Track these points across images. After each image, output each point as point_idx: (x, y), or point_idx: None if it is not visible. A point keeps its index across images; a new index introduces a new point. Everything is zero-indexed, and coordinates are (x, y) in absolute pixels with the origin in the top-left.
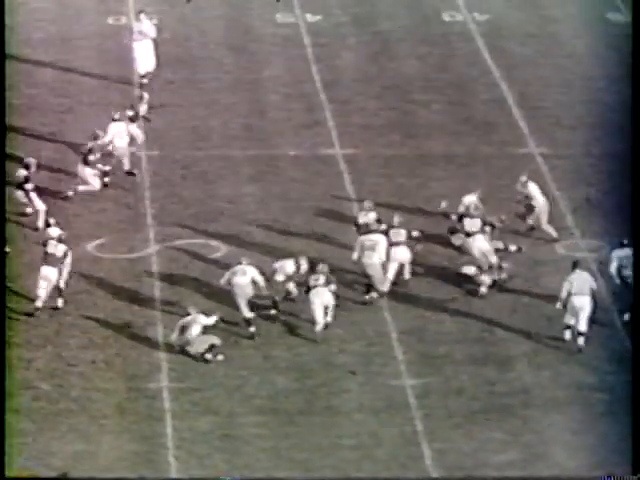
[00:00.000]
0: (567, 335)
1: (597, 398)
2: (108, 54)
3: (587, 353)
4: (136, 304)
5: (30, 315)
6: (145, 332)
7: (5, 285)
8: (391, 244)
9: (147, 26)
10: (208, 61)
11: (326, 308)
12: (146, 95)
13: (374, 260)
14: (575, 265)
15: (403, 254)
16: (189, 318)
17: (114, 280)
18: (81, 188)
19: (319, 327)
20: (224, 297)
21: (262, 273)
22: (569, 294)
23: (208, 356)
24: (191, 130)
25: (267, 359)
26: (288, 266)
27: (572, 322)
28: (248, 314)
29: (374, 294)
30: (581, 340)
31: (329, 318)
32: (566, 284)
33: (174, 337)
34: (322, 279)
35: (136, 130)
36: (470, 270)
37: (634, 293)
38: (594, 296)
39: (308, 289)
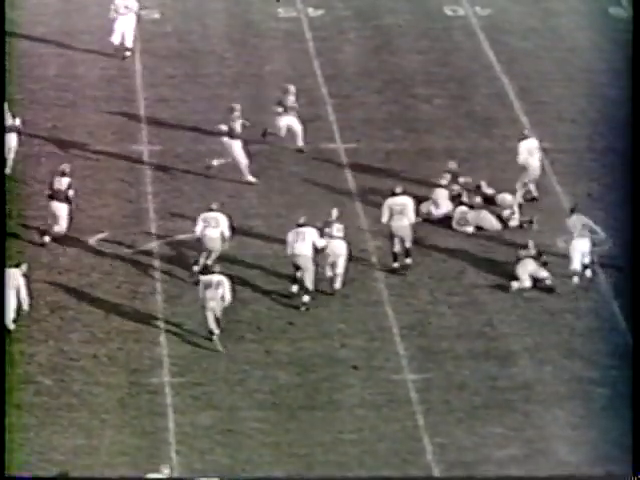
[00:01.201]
0: (575, 280)
1: (598, 393)
2: (110, 49)
3: (588, 348)
4: (138, 299)
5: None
6: (147, 327)
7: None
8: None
9: (131, 0)
10: (210, 55)
11: (338, 258)
12: (292, 88)
13: (404, 222)
14: (573, 210)
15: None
16: (217, 278)
17: (116, 274)
18: (216, 162)
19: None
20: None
21: (232, 227)
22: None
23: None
24: (193, 124)
25: (269, 354)
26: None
27: (577, 267)
28: (202, 264)
29: (408, 260)
30: (588, 272)
31: (340, 270)
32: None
33: (201, 293)
34: (341, 229)
35: (293, 121)
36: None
37: (633, 290)
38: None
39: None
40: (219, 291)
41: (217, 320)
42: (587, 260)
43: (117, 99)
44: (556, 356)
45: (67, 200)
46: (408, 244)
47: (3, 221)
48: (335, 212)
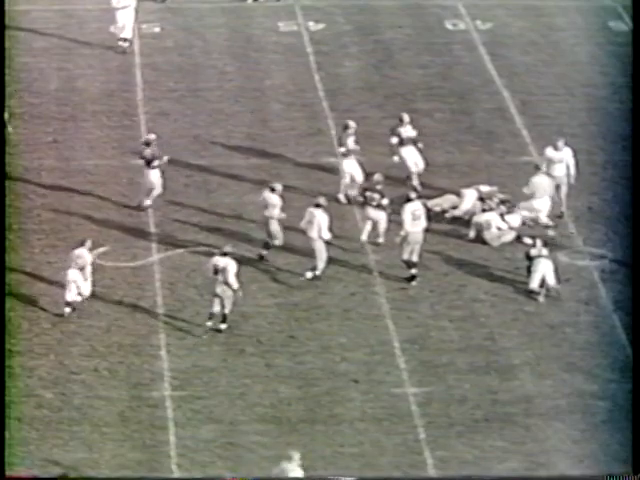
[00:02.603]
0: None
1: (599, 406)
2: (110, 62)
3: (588, 362)
4: (139, 312)
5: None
6: (148, 340)
7: (5, 291)
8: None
9: None
10: (210, 70)
11: (376, 224)
12: (406, 117)
13: (420, 227)
14: (536, 168)
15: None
16: (223, 263)
17: (117, 288)
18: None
19: (364, 236)
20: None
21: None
22: (532, 197)
23: (227, 308)
24: (194, 139)
25: (270, 367)
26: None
27: (546, 220)
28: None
29: (414, 270)
30: (552, 232)
31: (381, 239)
32: (527, 188)
33: (210, 274)
34: (384, 200)
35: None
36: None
37: (633, 303)
38: (553, 197)
39: (365, 203)
40: (224, 277)
41: (224, 314)
42: (545, 220)
43: (118, 113)
44: (556, 370)
45: (152, 167)
46: (415, 257)
47: (3, 223)
48: (378, 176)
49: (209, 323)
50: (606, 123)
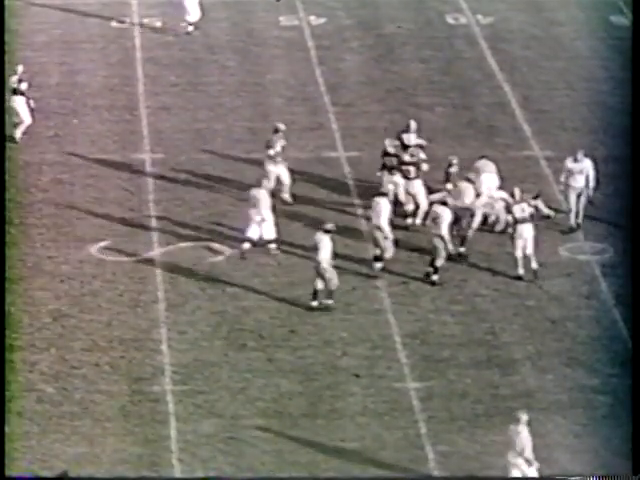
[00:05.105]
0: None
1: (600, 401)
2: (112, 57)
3: (589, 356)
4: (140, 307)
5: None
6: (149, 334)
7: (6, 285)
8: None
9: None
10: (212, 64)
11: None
12: (413, 124)
13: (437, 232)
14: (482, 157)
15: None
16: (318, 238)
17: (118, 282)
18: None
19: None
20: (228, 302)
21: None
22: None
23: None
24: (195, 133)
25: (271, 362)
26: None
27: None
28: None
29: (435, 276)
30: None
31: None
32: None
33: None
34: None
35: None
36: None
37: (634, 298)
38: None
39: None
40: (322, 252)
41: (330, 291)
42: (497, 195)
43: (119, 107)
44: (557, 364)
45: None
46: (440, 260)
47: (3, 223)
48: (413, 149)
49: (314, 303)
50: (607, 117)
